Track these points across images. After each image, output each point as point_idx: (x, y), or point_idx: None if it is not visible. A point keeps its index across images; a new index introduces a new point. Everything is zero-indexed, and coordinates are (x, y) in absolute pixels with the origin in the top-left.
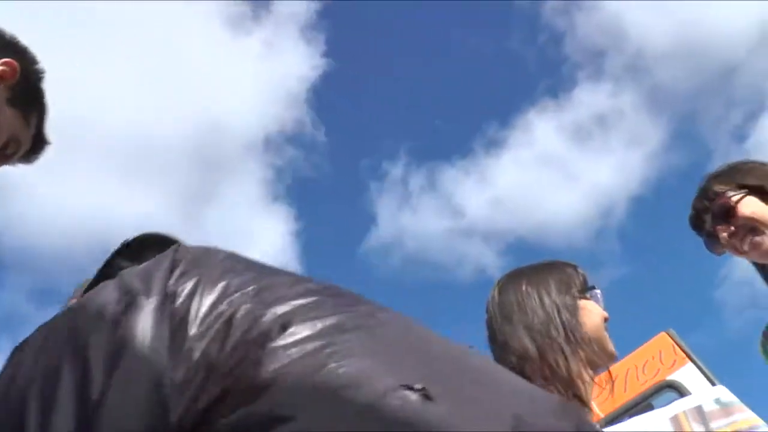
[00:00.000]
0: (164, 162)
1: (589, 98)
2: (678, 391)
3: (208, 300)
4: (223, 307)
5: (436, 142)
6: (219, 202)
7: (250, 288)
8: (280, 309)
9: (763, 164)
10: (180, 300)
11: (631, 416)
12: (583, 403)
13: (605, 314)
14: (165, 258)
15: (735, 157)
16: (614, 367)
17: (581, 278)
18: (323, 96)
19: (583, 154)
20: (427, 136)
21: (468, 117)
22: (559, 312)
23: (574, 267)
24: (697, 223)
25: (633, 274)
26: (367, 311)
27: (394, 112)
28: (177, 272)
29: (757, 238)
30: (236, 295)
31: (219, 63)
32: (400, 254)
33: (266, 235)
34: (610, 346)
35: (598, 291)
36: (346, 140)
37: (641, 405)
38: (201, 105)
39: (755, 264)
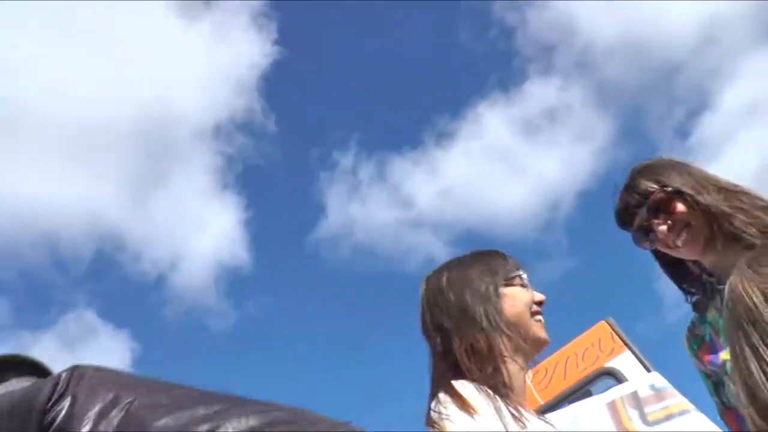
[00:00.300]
0: (111, 147)
1: (539, 92)
2: (615, 378)
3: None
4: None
5: (386, 133)
6: (167, 190)
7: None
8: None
9: (677, 163)
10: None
11: (570, 403)
12: (504, 385)
13: (535, 297)
14: (50, 380)
15: (678, 154)
16: (555, 355)
17: (509, 266)
18: (274, 84)
19: (532, 148)
20: (378, 127)
21: (418, 109)
22: (475, 302)
23: (503, 256)
24: (625, 217)
25: (579, 266)
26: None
27: (345, 102)
28: (56, 394)
29: (691, 234)
30: (114, 411)
31: (169, 48)
32: (350, 244)
33: (216, 224)
34: (536, 331)
35: (522, 274)
36: (297, 129)
37: (580, 392)
38: (150, 90)
39: (663, 265)
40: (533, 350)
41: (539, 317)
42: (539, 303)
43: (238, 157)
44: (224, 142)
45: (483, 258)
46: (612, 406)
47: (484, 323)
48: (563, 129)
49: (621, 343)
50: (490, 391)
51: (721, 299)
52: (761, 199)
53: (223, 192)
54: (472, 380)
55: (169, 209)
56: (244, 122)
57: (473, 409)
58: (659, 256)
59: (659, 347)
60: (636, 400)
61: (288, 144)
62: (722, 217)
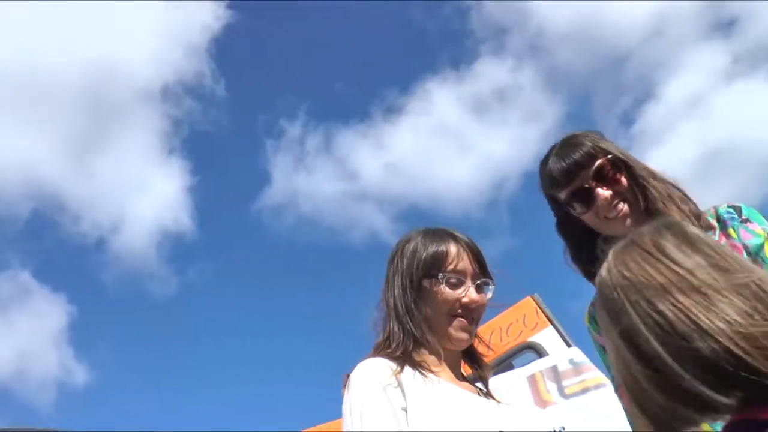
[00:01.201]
0: (52, 103)
1: (490, 72)
2: (537, 352)
3: None
4: None
5: (335, 104)
6: (111, 150)
7: None
8: None
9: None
10: None
11: (492, 376)
12: (421, 362)
13: (463, 299)
14: None
15: (622, 141)
16: (480, 329)
17: (445, 261)
18: (225, 48)
19: (480, 127)
20: (327, 98)
21: (368, 82)
22: (394, 286)
23: (448, 247)
24: (563, 176)
25: (520, 245)
26: None
27: (296, 70)
28: None
29: (627, 208)
30: None
31: (118, 5)
32: (294, 214)
33: (160, 188)
34: (451, 332)
35: (450, 277)
36: (246, 96)
37: (503, 365)
38: (97, 47)
39: (571, 235)
40: (448, 346)
41: (461, 319)
42: (465, 305)
43: (185, 120)
44: (172, 104)
45: (429, 241)
46: (531, 379)
47: (392, 313)
48: (512, 110)
49: (545, 318)
50: (395, 365)
51: None
52: (679, 190)
53: (169, 156)
54: (387, 354)
55: (111, 170)
56: (193, 86)
57: (360, 387)
58: (570, 223)
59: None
60: (555, 373)
61: (236, 110)
62: (652, 198)
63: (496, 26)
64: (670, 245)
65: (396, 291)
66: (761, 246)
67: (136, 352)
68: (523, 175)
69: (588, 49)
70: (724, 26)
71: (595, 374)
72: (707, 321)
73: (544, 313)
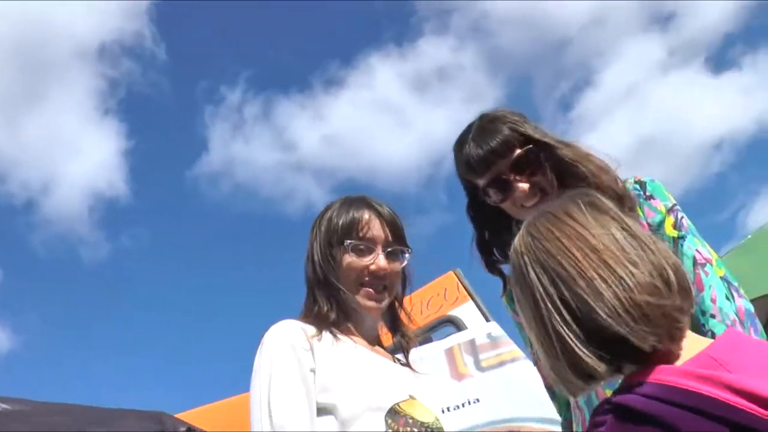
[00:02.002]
0: None
1: (433, 51)
2: (456, 326)
3: None
4: None
5: (275, 72)
6: (42, 109)
7: None
8: None
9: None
10: None
11: (414, 347)
12: (334, 328)
13: (371, 267)
14: None
15: (560, 125)
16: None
17: (356, 227)
18: (167, 10)
19: (421, 104)
20: (268, 66)
21: (310, 52)
22: (315, 260)
23: (361, 214)
24: (480, 164)
25: (454, 221)
26: None
27: (238, 37)
28: None
29: (543, 201)
30: None
31: None
32: (230, 183)
33: (94, 150)
34: (360, 299)
35: (359, 244)
36: (186, 59)
37: (421, 337)
38: (30, 1)
39: (476, 226)
40: (359, 311)
41: (367, 289)
42: (373, 273)
43: (122, 82)
44: (109, 64)
45: (344, 210)
46: (449, 352)
47: (311, 280)
48: (453, 89)
49: (465, 293)
50: (311, 329)
51: None
52: (599, 159)
53: (104, 117)
54: (304, 318)
55: (43, 130)
56: (131, 47)
57: (269, 347)
58: (480, 207)
59: None
60: (472, 347)
61: (176, 74)
62: (581, 175)
63: (441, 6)
64: (579, 213)
65: (314, 258)
66: (661, 223)
67: (64, 318)
68: None
69: (530, 34)
70: (662, 20)
71: (512, 348)
72: (600, 282)
73: (465, 287)
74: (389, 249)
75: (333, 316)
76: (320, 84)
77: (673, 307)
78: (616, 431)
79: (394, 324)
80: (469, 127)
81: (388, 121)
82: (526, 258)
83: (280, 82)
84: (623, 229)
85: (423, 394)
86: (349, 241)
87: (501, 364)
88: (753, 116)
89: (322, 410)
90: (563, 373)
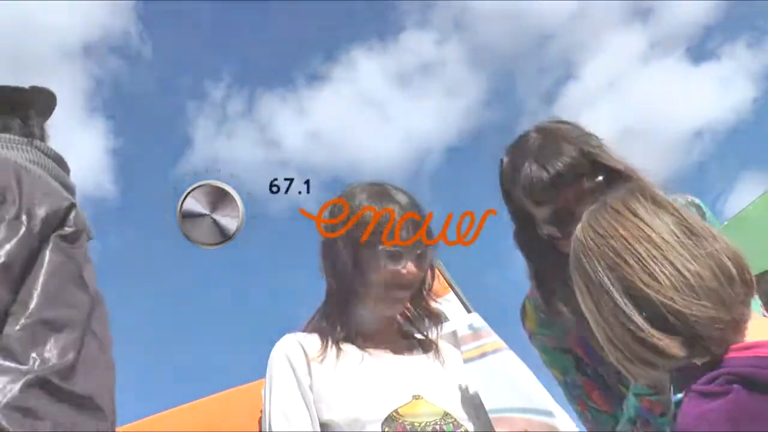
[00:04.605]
0: None
1: (416, 45)
2: None
3: None
4: None
5: (258, 68)
6: None
7: None
8: None
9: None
10: None
11: None
12: (345, 335)
13: (397, 271)
14: None
15: (543, 118)
16: None
17: (392, 233)
18: (153, 7)
19: (404, 99)
20: (251, 62)
21: (293, 47)
22: (341, 263)
23: (390, 212)
24: (555, 190)
25: (437, 216)
26: None
27: (222, 32)
28: None
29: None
30: None
31: None
32: (214, 180)
33: (81, 149)
34: (382, 309)
35: (388, 249)
36: (171, 57)
37: None
38: None
39: (534, 260)
40: (376, 316)
41: (395, 293)
42: (402, 277)
43: (108, 80)
44: (95, 63)
45: (373, 202)
46: None
47: (330, 281)
48: (436, 84)
49: (446, 284)
50: (315, 341)
51: None
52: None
53: (91, 116)
54: (315, 326)
55: None
56: (118, 45)
57: (271, 366)
58: (536, 237)
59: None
60: (454, 339)
61: (162, 71)
62: (625, 176)
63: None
64: (641, 207)
65: (338, 262)
66: None
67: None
68: (445, 149)
69: (512, 28)
70: (643, 12)
71: (494, 339)
72: (664, 279)
73: (445, 279)
74: (419, 251)
75: (344, 334)
76: (303, 79)
77: (734, 297)
78: (744, 401)
79: (417, 300)
80: (525, 136)
81: (371, 116)
82: (591, 255)
83: (263, 77)
84: (681, 223)
85: (431, 389)
86: (381, 247)
87: (483, 355)
88: (731, 106)
89: (322, 427)
90: (640, 354)
